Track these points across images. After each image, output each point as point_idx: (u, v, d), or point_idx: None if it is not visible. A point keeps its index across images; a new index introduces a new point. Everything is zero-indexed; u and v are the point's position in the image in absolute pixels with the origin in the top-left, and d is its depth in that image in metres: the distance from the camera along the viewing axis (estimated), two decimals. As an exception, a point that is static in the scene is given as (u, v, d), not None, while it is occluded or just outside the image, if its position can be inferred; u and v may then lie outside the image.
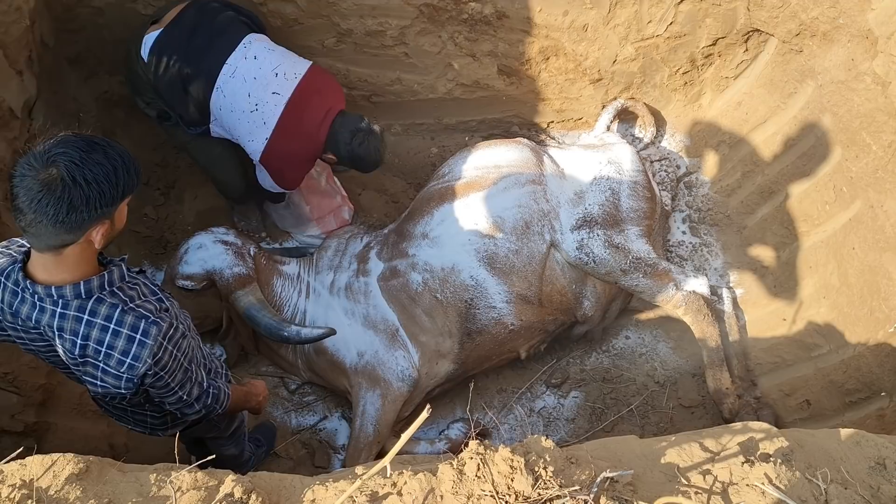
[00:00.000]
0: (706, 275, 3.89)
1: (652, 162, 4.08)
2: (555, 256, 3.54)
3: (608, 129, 4.10)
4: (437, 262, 3.48)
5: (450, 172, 3.67)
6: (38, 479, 1.61)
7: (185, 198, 4.12)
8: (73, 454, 1.69)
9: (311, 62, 3.45)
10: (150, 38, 3.29)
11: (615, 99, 4.12)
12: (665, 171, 4.08)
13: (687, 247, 4.05)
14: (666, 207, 3.96)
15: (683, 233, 4.08)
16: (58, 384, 3.21)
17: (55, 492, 1.59)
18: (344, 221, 4.16)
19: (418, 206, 3.70)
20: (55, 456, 1.67)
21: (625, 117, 4.21)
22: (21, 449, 1.68)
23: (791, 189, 3.66)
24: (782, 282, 3.67)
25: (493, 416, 3.70)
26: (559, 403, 3.81)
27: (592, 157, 3.72)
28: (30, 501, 1.54)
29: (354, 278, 3.67)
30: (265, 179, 3.58)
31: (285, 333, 3.33)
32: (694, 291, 3.61)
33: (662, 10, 3.61)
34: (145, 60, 3.30)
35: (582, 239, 3.51)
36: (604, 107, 4.14)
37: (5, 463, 1.63)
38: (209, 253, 3.44)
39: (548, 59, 3.86)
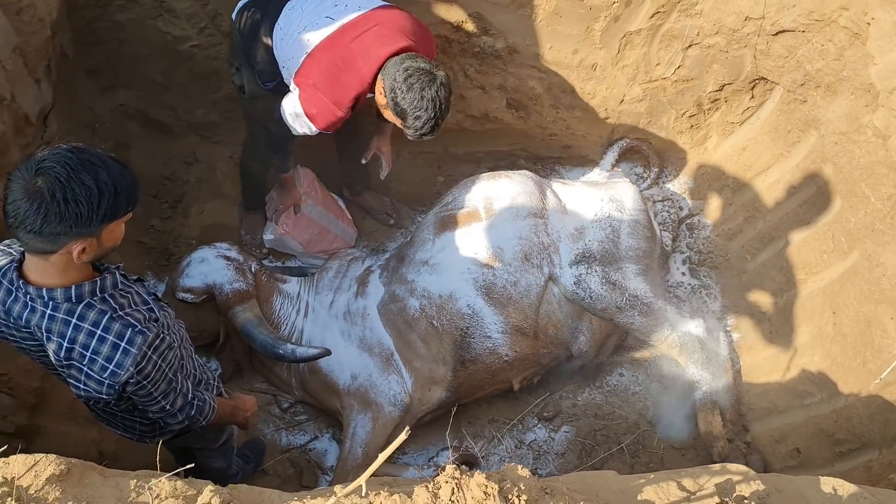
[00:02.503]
0: (703, 317, 3.89)
1: (654, 202, 4.11)
2: (552, 290, 3.56)
3: (613, 167, 4.14)
4: (435, 289, 3.51)
5: (453, 201, 3.71)
6: (19, 478, 1.64)
7: (191, 212, 4.18)
8: (55, 455, 1.71)
9: (391, 4, 3.15)
10: (241, 2, 3.32)
11: (621, 138, 4.17)
12: (667, 211, 4.12)
13: (686, 288, 4.06)
14: (666, 248, 3.99)
15: (683, 274, 4.10)
16: (51, 388, 3.24)
17: (35, 491, 1.62)
18: (346, 244, 4.20)
19: (420, 233, 3.73)
20: (38, 456, 1.70)
21: (630, 157, 4.26)
22: (6, 447, 1.71)
23: (791, 236, 3.68)
24: (778, 328, 3.67)
25: (483, 445, 3.70)
26: (550, 437, 3.80)
27: (595, 194, 3.76)
28: (9, 499, 1.56)
29: (353, 300, 3.70)
30: (289, 103, 3.16)
31: (280, 351, 3.35)
32: (689, 333, 3.62)
33: (670, 53, 3.67)
34: (234, 20, 3.31)
35: (580, 274, 3.53)
36: (610, 145, 4.19)
37: (-11, 458, 1.66)
38: (211, 267, 3.48)
39: (556, 95, 3.92)
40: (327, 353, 3.35)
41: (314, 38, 3.06)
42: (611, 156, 4.15)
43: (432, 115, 2.93)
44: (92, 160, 1.80)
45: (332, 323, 3.68)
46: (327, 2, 3.14)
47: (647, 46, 3.66)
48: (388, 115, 3.07)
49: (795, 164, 3.69)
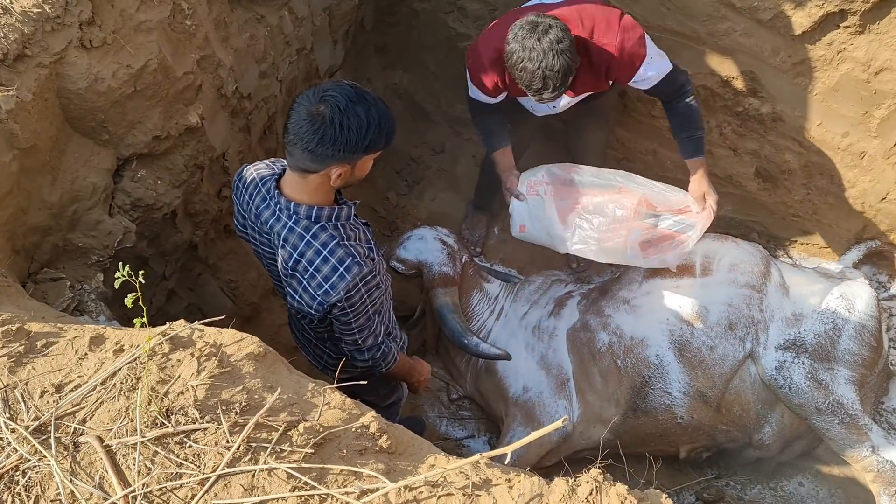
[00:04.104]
0: (914, 452, 3.50)
1: (892, 315, 3.77)
2: (749, 368, 3.38)
3: (854, 265, 3.85)
4: (628, 330, 3.47)
5: (672, 251, 3.65)
6: (225, 347, 1.87)
7: (425, 196, 4.48)
8: (259, 339, 1.94)
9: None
10: None
11: (872, 238, 3.87)
12: (903, 329, 3.76)
13: (902, 416, 3.68)
14: (891, 367, 3.64)
15: (903, 400, 3.71)
16: (265, 309, 3.62)
17: (234, 361, 1.84)
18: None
19: (629, 273, 3.71)
20: (245, 335, 1.93)
21: (876, 261, 3.93)
22: (223, 317, 1.96)
23: None
24: None
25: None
26: (703, 521, 3.60)
27: (825, 285, 3.52)
28: (214, 359, 1.79)
29: (546, 318, 3.75)
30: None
31: (466, 341, 3.49)
32: (892, 462, 3.27)
33: (954, 160, 3.37)
34: None
35: (784, 361, 3.32)
36: (856, 242, 3.90)
37: (207, 323, 1.92)
38: (427, 246, 3.70)
39: (811, 175, 3.73)
40: (508, 357, 3.44)
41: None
42: (854, 253, 3.86)
43: (537, 65, 2.68)
44: (366, 97, 2.05)
45: (520, 333, 3.75)
46: None
47: (930, 147, 3.39)
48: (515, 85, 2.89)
49: None
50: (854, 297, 3.49)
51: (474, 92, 3.28)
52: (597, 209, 3.29)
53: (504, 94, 3.24)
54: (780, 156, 3.74)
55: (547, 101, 2.88)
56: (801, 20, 3.25)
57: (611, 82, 3.15)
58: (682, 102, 3.17)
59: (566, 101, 3.30)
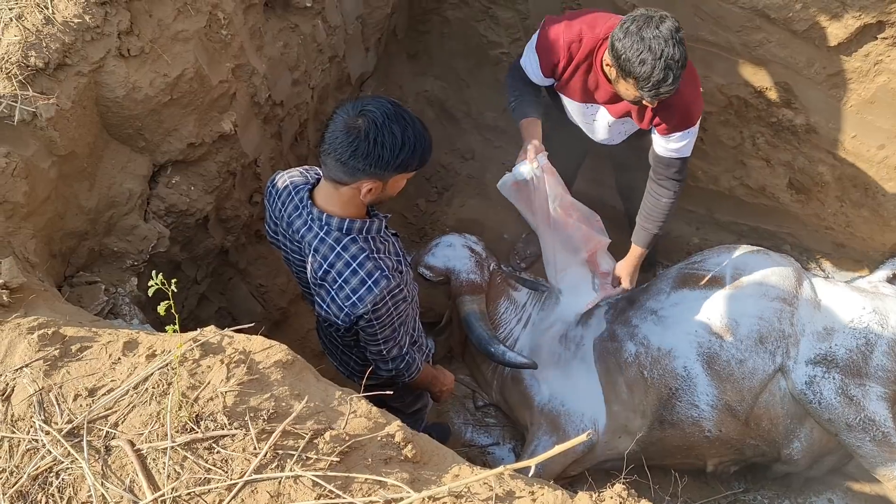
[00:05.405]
0: (947, 472, 3.43)
1: (927, 331, 3.69)
2: (779, 382, 3.34)
3: (888, 280, 3.79)
4: (655, 341, 3.45)
5: (702, 261, 3.62)
6: (254, 354, 1.90)
7: (453, 203, 4.50)
8: (287, 347, 1.96)
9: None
10: None
11: (908, 254, 3.81)
12: (939, 346, 3.67)
13: (936, 435, 3.60)
14: (926, 384, 3.56)
15: (937, 420, 3.63)
16: (293, 314, 3.66)
17: (263, 368, 1.87)
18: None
19: (657, 283, 3.69)
20: (274, 342, 1.95)
21: (913, 276, 3.87)
22: (252, 325, 1.99)
23: None
24: None
25: (656, 514, 3.56)
26: (731, 535, 3.57)
27: (858, 299, 3.47)
28: (242, 366, 1.82)
29: (573, 327, 3.74)
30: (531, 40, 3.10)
31: (492, 349, 3.48)
32: (925, 482, 3.21)
33: None
34: None
35: (815, 375, 3.28)
36: (891, 256, 3.84)
37: (236, 331, 1.95)
38: (455, 253, 3.71)
39: (845, 188, 3.68)
40: (534, 366, 3.43)
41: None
42: (888, 268, 3.79)
43: (659, 54, 2.53)
44: (404, 115, 2.06)
45: (546, 342, 3.75)
46: None
47: (970, 161, 3.33)
48: (622, 87, 2.76)
49: None
50: (888, 313, 3.43)
51: (528, 61, 3.13)
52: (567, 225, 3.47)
53: (550, 82, 3.16)
54: (814, 168, 3.69)
55: (664, 95, 2.69)
56: (836, 32, 3.21)
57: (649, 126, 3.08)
58: (668, 197, 3.24)
59: (609, 119, 3.21)
